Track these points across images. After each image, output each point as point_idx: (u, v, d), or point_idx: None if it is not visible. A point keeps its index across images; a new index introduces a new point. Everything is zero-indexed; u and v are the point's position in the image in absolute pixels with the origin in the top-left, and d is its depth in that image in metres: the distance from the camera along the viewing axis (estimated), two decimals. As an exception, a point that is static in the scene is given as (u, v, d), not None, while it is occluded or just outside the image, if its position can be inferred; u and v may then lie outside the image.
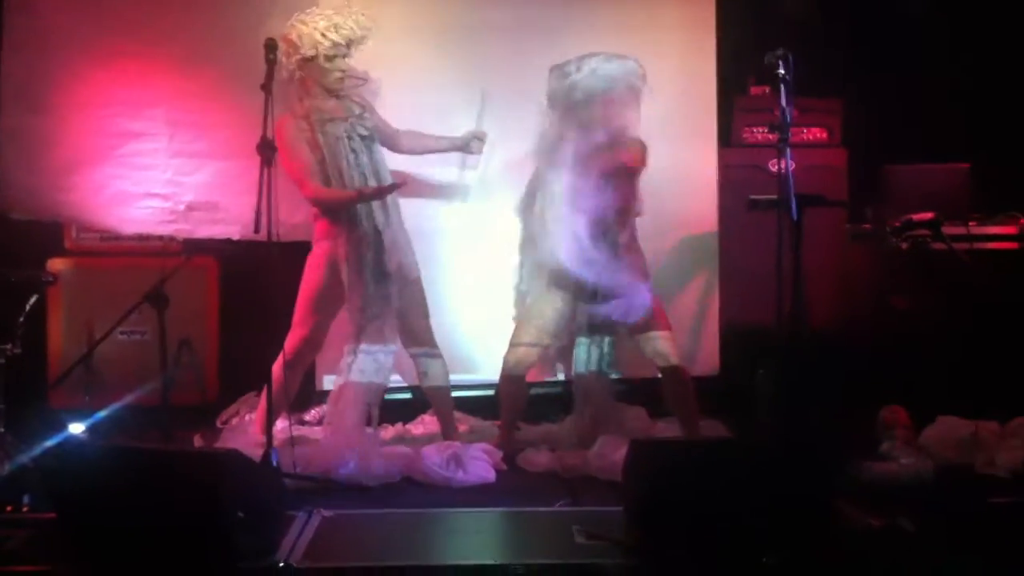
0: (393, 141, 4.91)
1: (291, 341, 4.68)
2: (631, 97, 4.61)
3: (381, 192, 4.60)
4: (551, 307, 4.75)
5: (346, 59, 4.65)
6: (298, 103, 4.67)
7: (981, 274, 4.95)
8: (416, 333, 4.80)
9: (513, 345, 4.80)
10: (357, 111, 4.73)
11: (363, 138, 4.70)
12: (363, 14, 4.65)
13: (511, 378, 4.81)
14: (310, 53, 4.57)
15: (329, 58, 4.59)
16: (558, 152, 4.61)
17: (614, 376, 4.87)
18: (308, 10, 4.70)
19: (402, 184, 4.70)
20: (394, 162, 4.91)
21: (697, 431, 4.73)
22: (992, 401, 4.74)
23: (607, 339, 4.75)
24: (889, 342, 5.12)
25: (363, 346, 4.61)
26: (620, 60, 4.62)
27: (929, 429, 4.75)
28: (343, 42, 4.59)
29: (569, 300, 4.72)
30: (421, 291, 4.83)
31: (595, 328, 4.72)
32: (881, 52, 5.82)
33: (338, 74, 4.64)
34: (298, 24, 4.61)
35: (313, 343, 4.83)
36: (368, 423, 4.64)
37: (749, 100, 5.65)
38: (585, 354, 4.75)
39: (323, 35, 4.55)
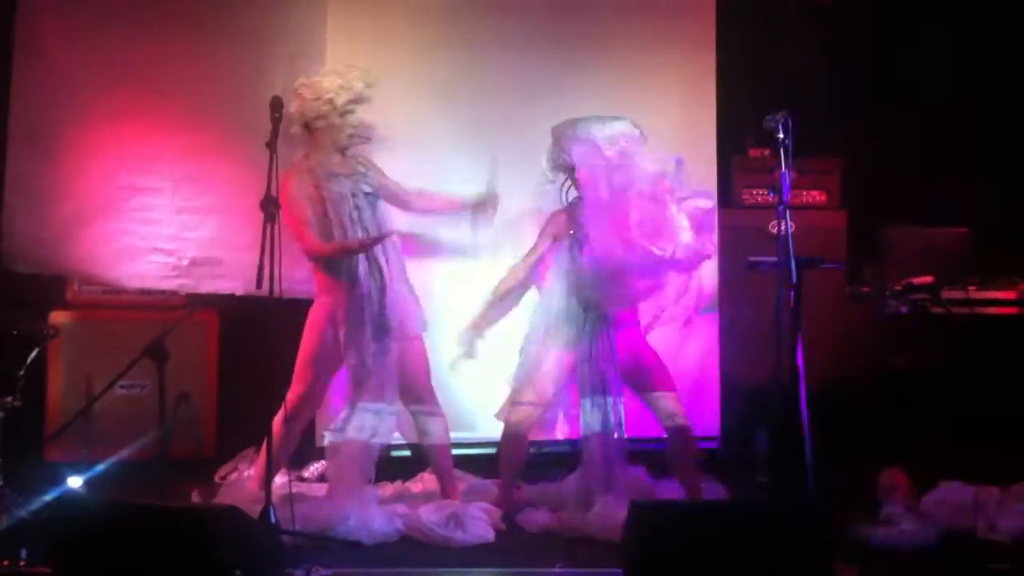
0: (403, 201, 4.90)
1: (290, 397, 4.68)
2: (629, 156, 4.69)
3: (367, 244, 4.60)
4: (551, 362, 4.75)
5: (355, 115, 4.70)
6: (303, 158, 4.71)
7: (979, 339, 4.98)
8: (416, 391, 4.78)
9: (515, 404, 4.79)
10: (361, 169, 4.77)
11: (367, 195, 4.72)
12: (369, 72, 4.72)
13: (513, 436, 4.79)
14: (324, 109, 4.63)
15: (341, 114, 4.65)
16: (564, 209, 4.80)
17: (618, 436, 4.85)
18: (320, 70, 4.80)
19: (390, 235, 4.68)
20: (401, 221, 4.91)
21: (699, 492, 4.71)
22: (993, 466, 4.73)
23: (615, 399, 4.74)
24: (889, 404, 5.12)
25: (361, 403, 4.60)
26: (616, 121, 4.72)
27: (930, 494, 4.73)
28: (353, 99, 4.65)
29: (569, 350, 4.73)
30: (423, 349, 4.82)
31: (602, 388, 4.72)
32: (881, 114, 5.89)
33: (349, 131, 4.69)
34: (312, 81, 4.68)
35: (312, 399, 4.81)
36: (367, 481, 4.61)
37: (748, 161, 5.70)
38: (593, 414, 4.73)
39: (336, 93, 4.61)
